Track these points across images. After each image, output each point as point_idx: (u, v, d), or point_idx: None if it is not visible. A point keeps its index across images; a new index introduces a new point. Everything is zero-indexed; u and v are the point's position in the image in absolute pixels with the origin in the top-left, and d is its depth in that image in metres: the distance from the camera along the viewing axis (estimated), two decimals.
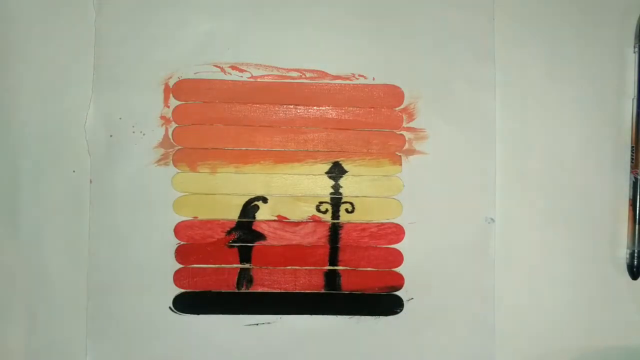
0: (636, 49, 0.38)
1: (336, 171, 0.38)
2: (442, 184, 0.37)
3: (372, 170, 0.38)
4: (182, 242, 0.37)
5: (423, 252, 0.37)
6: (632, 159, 0.37)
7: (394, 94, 0.38)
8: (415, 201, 0.37)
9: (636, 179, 0.37)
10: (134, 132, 0.37)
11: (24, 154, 0.37)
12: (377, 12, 0.38)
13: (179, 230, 0.37)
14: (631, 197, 0.37)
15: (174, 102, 0.37)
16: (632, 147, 0.37)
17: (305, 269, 0.37)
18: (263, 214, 0.37)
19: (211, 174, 0.37)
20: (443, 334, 0.37)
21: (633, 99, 0.38)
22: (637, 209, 0.37)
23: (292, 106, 0.38)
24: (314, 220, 0.37)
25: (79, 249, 0.36)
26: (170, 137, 0.37)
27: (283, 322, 0.37)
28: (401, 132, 0.38)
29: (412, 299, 0.37)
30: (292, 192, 0.37)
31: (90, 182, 0.37)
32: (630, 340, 0.38)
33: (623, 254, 0.37)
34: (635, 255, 0.37)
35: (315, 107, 0.38)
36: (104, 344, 0.36)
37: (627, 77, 0.38)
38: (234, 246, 0.37)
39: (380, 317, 0.37)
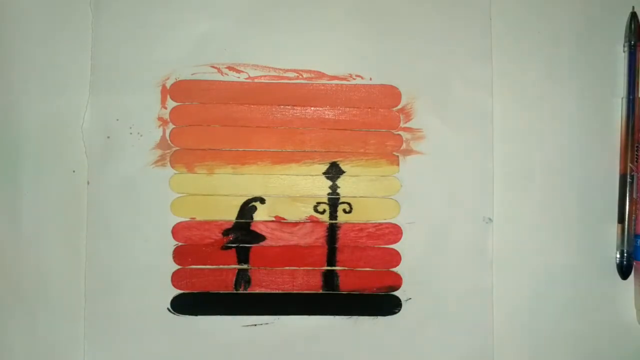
0: (625, 49, 0.38)
1: (333, 172, 0.38)
2: (439, 184, 0.37)
3: (370, 170, 0.38)
4: (179, 243, 0.37)
5: (421, 252, 0.37)
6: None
7: (391, 94, 0.38)
8: (412, 201, 0.37)
9: (622, 176, 0.37)
10: (131, 133, 0.37)
11: (23, 154, 0.37)
12: (374, 13, 0.38)
13: (176, 231, 0.37)
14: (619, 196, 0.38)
15: (171, 103, 0.37)
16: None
17: (303, 270, 0.37)
18: (261, 214, 0.37)
19: (209, 175, 0.37)
20: (441, 334, 0.37)
21: (622, 98, 0.38)
22: (625, 208, 0.37)
23: (289, 107, 0.38)
24: (312, 220, 0.37)
25: (77, 250, 0.36)
26: (168, 138, 0.37)
27: (281, 323, 0.37)
28: (398, 133, 0.38)
29: (410, 299, 0.37)
30: (289, 193, 0.37)
31: (88, 183, 0.37)
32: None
33: (614, 253, 0.38)
34: (625, 254, 0.37)
35: (312, 108, 0.38)
36: (102, 345, 0.36)
37: (617, 76, 0.38)
38: (231, 247, 0.37)
39: (379, 317, 0.37)
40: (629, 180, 0.37)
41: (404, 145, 0.38)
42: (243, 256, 0.37)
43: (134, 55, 0.37)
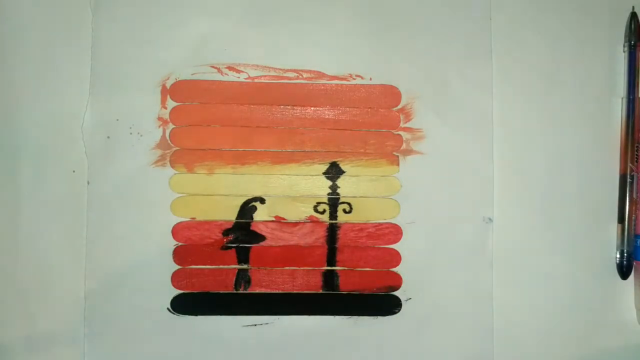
0: (625, 49, 0.38)
1: (334, 171, 0.38)
2: (439, 184, 0.37)
3: (370, 170, 0.38)
4: (179, 243, 0.37)
5: (421, 252, 0.37)
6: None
7: (391, 94, 0.38)
8: (412, 201, 0.37)
9: (622, 176, 0.37)
10: (131, 133, 0.37)
11: (23, 154, 0.37)
12: (374, 13, 0.38)
13: (176, 231, 0.37)
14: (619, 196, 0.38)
15: (171, 103, 0.37)
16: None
17: (303, 270, 0.37)
18: (261, 214, 0.37)
19: (208, 175, 0.37)
20: (441, 334, 0.37)
21: (622, 98, 0.38)
22: (625, 208, 0.37)
23: (289, 107, 0.38)
24: (312, 220, 0.37)
25: (77, 250, 0.36)
26: (168, 138, 0.37)
27: (281, 323, 0.37)
28: (398, 132, 0.38)
29: (410, 299, 0.37)
30: (289, 193, 0.37)
31: (88, 183, 0.37)
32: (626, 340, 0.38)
33: (614, 253, 0.38)
34: (625, 254, 0.37)
35: (312, 108, 0.38)
36: (102, 345, 0.36)
37: (617, 76, 0.38)
38: (231, 247, 0.37)
39: (378, 317, 0.37)
40: (629, 180, 0.37)
41: (404, 145, 0.38)
42: (243, 256, 0.37)
43: (134, 55, 0.37)
